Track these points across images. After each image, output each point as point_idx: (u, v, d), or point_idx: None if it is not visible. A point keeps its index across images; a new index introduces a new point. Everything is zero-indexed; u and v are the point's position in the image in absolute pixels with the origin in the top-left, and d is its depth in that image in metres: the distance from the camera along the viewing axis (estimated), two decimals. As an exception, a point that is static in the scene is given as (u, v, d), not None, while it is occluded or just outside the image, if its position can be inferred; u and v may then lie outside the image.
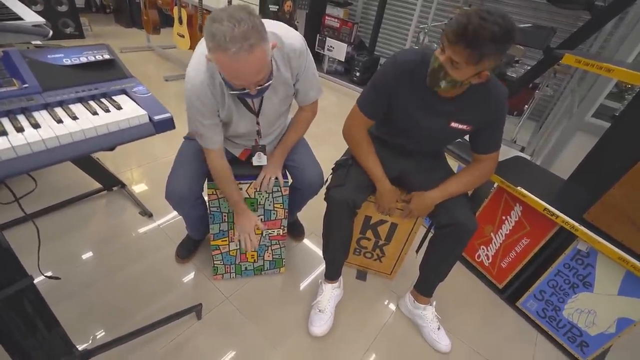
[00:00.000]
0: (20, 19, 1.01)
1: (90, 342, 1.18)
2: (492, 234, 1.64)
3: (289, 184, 1.35)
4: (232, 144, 1.28)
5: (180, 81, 3.26)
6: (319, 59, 4.33)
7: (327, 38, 4.01)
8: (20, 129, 0.64)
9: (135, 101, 0.79)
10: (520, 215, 1.52)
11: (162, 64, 3.71)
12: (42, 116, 0.69)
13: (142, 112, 0.75)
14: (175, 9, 3.02)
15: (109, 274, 1.41)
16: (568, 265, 1.38)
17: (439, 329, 1.35)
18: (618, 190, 1.20)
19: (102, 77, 0.81)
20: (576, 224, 1.28)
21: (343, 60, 4.03)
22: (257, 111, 1.11)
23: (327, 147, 2.47)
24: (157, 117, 0.76)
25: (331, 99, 3.67)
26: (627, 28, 2.15)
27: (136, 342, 1.15)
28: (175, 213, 1.49)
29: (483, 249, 1.70)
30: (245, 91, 0.90)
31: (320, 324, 1.31)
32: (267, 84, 0.92)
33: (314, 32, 4.11)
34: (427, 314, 1.36)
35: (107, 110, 0.73)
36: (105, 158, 1.96)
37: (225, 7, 0.80)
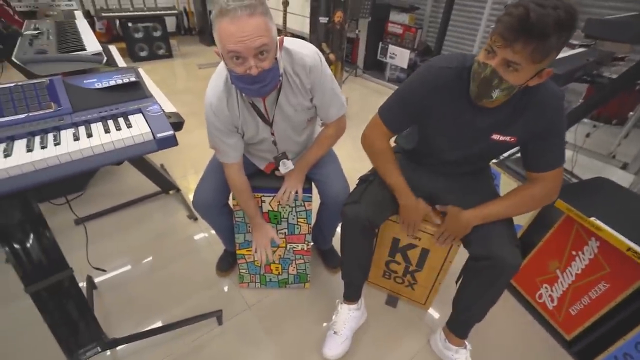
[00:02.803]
0: (84, 49, 1.19)
1: (120, 331, 1.30)
2: (558, 271, 1.35)
3: (311, 198, 1.31)
4: (257, 157, 1.31)
5: (212, 69, 3.50)
6: (381, 67, 4.22)
7: (390, 45, 3.89)
8: (44, 147, 0.74)
9: (146, 119, 0.85)
10: (597, 252, 1.22)
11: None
12: (66, 134, 0.79)
13: (146, 129, 0.80)
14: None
15: (151, 271, 1.56)
16: (663, 326, 1.05)
17: (473, 378, 1.16)
18: None
19: (125, 98, 0.90)
20: (674, 273, 0.97)
21: (406, 67, 3.85)
22: (270, 120, 1.10)
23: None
24: (159, 135, 0.81)
25: (390, 107, 3.54)
26: None
27: (159, 338, 1.24)
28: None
29: (546, 288, 1.40)
30: (248, 74, 0.85)
31: (333, 347, 1.23)
32: (270, 70, 0.87)
33: (376, 40, 4.03)
34: (460, 358, 1.17)
35: (119, 129, 0.80)
36: (170, 164, 2.21)
37: None
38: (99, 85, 0.90)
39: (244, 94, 1.01)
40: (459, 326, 1.17)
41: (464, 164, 1.09)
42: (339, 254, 1.65)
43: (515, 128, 0.92)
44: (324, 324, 1.37)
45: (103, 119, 0.84)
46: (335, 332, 1.25)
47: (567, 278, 1.32)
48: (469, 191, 1.13)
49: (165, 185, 1.97)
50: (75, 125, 0.82)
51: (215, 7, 0.80)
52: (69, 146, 0.75)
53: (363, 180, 1.22)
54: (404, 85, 1.01)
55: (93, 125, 0.82)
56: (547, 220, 1.46)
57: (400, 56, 3.85)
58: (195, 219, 1.84)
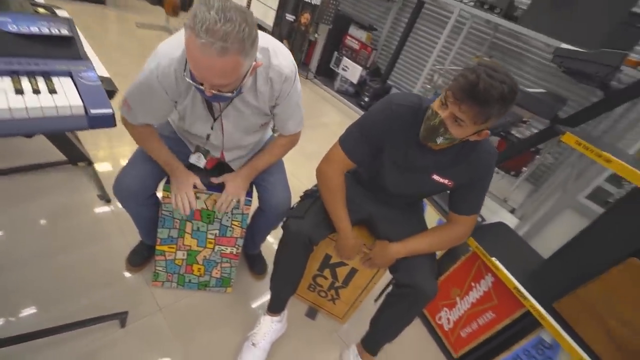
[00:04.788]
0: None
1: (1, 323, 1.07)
2: (457, 298, 1.54)
3: (251, 203, 1.25)
4: (194, 147, 1.20)
5: (150, 31, 3.21)
6: (332, 76, 4.29)
7: (344, 57, 3.99)
8: None
9: (77, 88, 0.70)
10: (491, 286, 1.43)
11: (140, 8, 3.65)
12: (-43, 84, 0.60)
13: (77, 102, 0.66)
14: (198, -3, 2.98)
15: (47, 253, 1.31)
16: (528, 353, 1.28)
17: (377, 392, 1.24)
18: (596, 286, 1.11)
19: (50, 54, 0.73)
20: (543, 313, 1.19)
21: (355, 82, 3.99)
22: (215, 116, 1.02)
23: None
24: (94, 111, 0.67)
25: (335, 118, 3.62)
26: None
27: (42, 340, 1.03)
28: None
29: (446, 311, 1.59)
30: (200, 87, 0.81)
31: (250, 359, 1.19)
32: (226, 95, 0.83)
33: (332, 49, 4.09)
34: (368, 374, 1.25)
35: (37, 92, 0.65)
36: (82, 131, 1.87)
37: (229, 0, 0.71)
38: (13, 29, 0.70)
39: None
40: (372, 344, 1.25)
41: (403, 196, 1.17)
42: (265, 260, 1.61)
43: (452, 173, 1.02)
44: (241, 333, 1.31)
45: (14, 74, 0.67)
46: (253, 344, 1.21)
47: (464, 305, 1.52)
48: (400, 221, 1.21)
49: (74, 155, 1.67)
50: (-28, 74, 0.63)
51: (192, 16, 0.69)
52: (-40, 102, 0.57)
53: (308, 195, 1.21)
54: (364, 117, 1.04)
55: (-1, 80, 0.64)
56: (456, 253, 1.66)
57: (352, 70, 3.98)
58: (108, 200, 1.59)
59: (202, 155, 1.15)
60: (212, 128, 1.04)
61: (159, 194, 1.19)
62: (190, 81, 0.83)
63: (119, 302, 1.25)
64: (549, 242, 1.76)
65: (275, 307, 1.27)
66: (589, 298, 1.13)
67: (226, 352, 1.24)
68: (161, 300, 1.31)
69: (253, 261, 1.58)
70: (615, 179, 1.97)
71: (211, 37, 0.67)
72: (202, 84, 0.80)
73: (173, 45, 0.88)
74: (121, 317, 1.16)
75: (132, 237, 1.47)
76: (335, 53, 4.06)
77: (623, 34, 2.34)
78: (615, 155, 1.08)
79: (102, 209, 1.57)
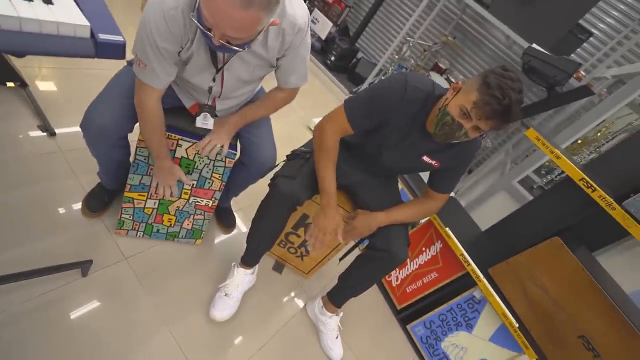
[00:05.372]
0: None
1: None
2: (408, 260, 1.75)
3: (236, 157, 1.20)
4: (185, 93, 1.08)
5: None
6: (300, 26, 4.05)
7: (315, 9, 3.77)
8: None
9: (78, 4, 0.57)
10: (438, 251, 1.64)
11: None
12: None
13: (83, 21, 0.55)
14: None
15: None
16: (460, 306, 1.54)
17: (337, 338, 1.39)
18: (523, 258, 1.37)
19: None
20: (480, 275, 1.43)
21: (323, 38, 3.84)
22: (219, 66, 0.93)
23: (278, 123, 2.33)
24: (103, 37, 0.56)
25: (300, 73, 3.48)
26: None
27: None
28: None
29: (396, 270, 1.80)
30: (208, 34, 0.73)
31: (223, 309, 1.23)
32: (235, 48, 0.76)
33: (304, -3, 3.82)
34: (331, 322, 1.38)
35: (30, -1, 0.51)
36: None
37: None
38: None
39: None
40: (339, 298, 1.37)
41: (389, 170, 1.24)
42: (234, 214, 1.59)
43: (441, 156, 1.11)
44: (211, 284, 1.32)
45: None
46: (226, 294, 1.24)
47: (412, 266, 1.73)
48: (380, 191, 1.29)
49: (3, 73, 1.36)
50: None
51: None
52: None
53: (298, 155, 1.20)
54: (375, 87, 1.03)
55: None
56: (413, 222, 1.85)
57: (322, 25, 3.79)
58: (53, 133, 1.36)
59: (207, 115, 1.05)
60: (214, 80, 0.95)
61: (135, 138, 1.07)
62: (199, 25, 0.73)
63: (77, 250, 1.14)
64: (482, 216, 2.06)
65: (249, 260, 1.29)
66: (517, 267, 1.38)
67: (197, 303, 1.25)
68: (126, 249, 1.23)
69: (222, 214, 1.54)
70: (538, 170, 2.34)
71: None
72: (210, 30, 0.72)
73: None
74: (84, 266, 1.07)
75: (86, 178, 1.32)
76: (307, 2, 3.80)
77: (567, 41, 2.64)
78: (562, 153, 1.29)
79: (45, 142, 1.34)
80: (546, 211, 1.49)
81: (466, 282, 1.53)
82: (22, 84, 1.42)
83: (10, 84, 1.41)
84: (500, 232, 1.65)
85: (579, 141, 2.60)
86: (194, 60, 0.90)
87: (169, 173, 1.09)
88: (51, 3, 0.53)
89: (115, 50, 0.58)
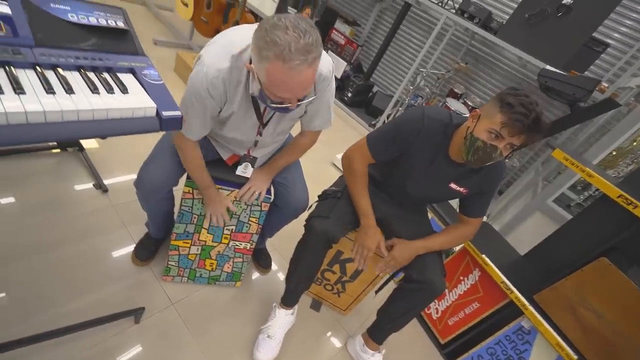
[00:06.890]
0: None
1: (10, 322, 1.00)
2: (447, 290, 1.70)
3: (271, 200, 1.28)
4: (224, 147, 1.19)
5: (168, 49, 3.03)
6: (316, 68, 4.29)
7: (330, 52, 4.01)
8: (-2, 91, 0.52)
9: (143, 87, 0.68)
10: (477, 280, 1.60)
11: (152, 23, 3.41)
12: (28, 78, 0.57)
13: (150, 103, 0.65)
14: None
15: (41, 249, 1.22)
16: (509, 338, 1.47)
17: (381, 376, 1.35)
18: (570, 282, 1.31)
19: (110, 48, 0.70)
20: (526, 303, 1.37)
21: (339, 77, 4.04)
22: (265, 122, 1.04)
23: (304, 162, 2.41)
24: (165, 114, 0.67)
25: (319, 111, 3.64)
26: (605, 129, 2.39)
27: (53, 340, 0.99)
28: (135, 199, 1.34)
29: (435, 302, 1.75)
30: (285, 106, 0.84)
31: (267, 351, 1.24)
32: (307, 100, 0.87)
33: (318, 41, 4.08)
34: (374, 361, 1.35)
35: (111, 91, 0.62)
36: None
37: (287, 15, 0.74)
38: (73, 18, 0.67)
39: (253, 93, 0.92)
40: (379, 334, 1.35)
41: (418, 200, 1.27)
42: (270, 254, 1.65)
43: (469, 182, 1.13)
44: (253, 326, 1.35)
45: (80, 69, 0.64)
46: (269, 336, 1.26)
47: (452, 296, 1.68)
48: (411, 220, 1.31)
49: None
50: (39, 66, 0.59)
51: (273, 45, 0.71)
52: (42, 101, 0.54)
53: (329, 195, 1.26)
54: (395, 123, 1.10)
55: (68, 75, 0.61)
56: (446, 250, 1.82)
57: (336, 65, 4.01)
58: (105, 190, 1.51)
59: (249, 165, 1.17)
60: (260, 135, 1.06)
61: (181, 190, 1.17)
62: (270, 105, 0.86)
63: (129, 297, 1.22)
64: (519, 240, 1.99)
65: (289, 301, 1.32)
66: (565, 291, 1.32)
67: (241, 345, 1.27)
68: (173, 294, 1.30)
69: (259, 255, 1.60)
70: (574, 187, 2.26)
71: (302, 55, 0.70)
72: (281, 102, 0.83)
73: (220, 56, 0.88)
74: (137, 313, 1.14)
75: (134, 229, 1.42)
76: (321, 46, 4.06)
77: (583, 55, 2.64)
78: (595, 171, 1.27)
79: (99, 199, 1.48)
80: (587, 230, 1.44)
81: (512, 311, 1.47)
82: (80, 148, 1.61)
83: (70, 149, 1.60)
84: (541, 256, 1.59)
85: (614, 153, 2.51)
86: (241, 120, 1.01)
87: (218, 202, 1.17)
88: (127, 92, 0.65)
89: (175, 123, 0.68)
